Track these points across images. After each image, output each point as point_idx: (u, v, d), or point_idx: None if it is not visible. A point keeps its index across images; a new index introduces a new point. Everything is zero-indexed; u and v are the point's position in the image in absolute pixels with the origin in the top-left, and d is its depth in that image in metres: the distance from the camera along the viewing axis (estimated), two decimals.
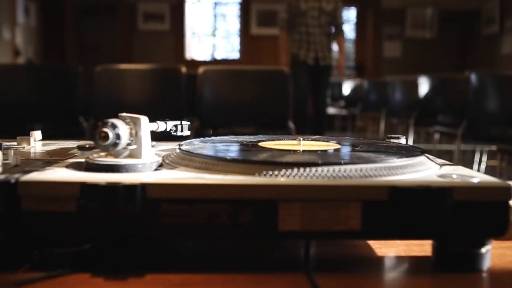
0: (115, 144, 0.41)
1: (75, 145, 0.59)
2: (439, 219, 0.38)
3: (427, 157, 0.48)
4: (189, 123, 0.56)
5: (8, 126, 2.40)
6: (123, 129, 0.42)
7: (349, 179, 0.40)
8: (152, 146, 0.46)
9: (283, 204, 0.38)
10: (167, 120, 0.53)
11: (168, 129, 0.53)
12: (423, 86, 3.78)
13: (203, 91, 2.53)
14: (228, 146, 0.53)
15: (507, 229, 0.39)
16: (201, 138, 0.58)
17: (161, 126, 0.51)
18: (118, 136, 0.41)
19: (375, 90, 5.35)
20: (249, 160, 0.42)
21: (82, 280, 0.37)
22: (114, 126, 0.41)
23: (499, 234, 0.39)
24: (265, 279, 0.38)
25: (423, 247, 0.45)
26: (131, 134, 0.43)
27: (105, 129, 0.41)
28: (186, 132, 0.55)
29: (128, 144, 0.43)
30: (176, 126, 0.54)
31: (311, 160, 0.42)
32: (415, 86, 3.90)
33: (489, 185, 0.39)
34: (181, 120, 0.56)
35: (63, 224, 0.38)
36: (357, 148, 0.53)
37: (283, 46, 3.68)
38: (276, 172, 0.40)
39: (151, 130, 0.46)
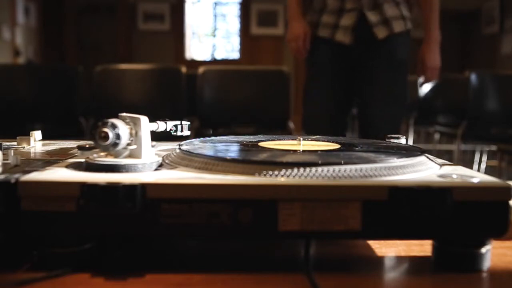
0: (115, 144, 0.41)
1: (75, 145, 0.59)
2: (439, 219, 0.38)
3: (427, 157, 0.48)
4: (189, 123, 0.56)
5: (8, 126, 2.40)
6: (123, 129, 0.42)
7: (349, 179, 0.40)
8: (152, 146, 0.46)
9: (283, 204, 0.38)
10: (167, 120, 0.53)
11: (168, 129, 0.53)
12: (423, 86, 3.78)
13: (203, 91, 2.53)
14: (228, 146, 0.53)
15: (507, 229, 0.39)
16: (201, 138, 0.58)
17: (161, 126, 0.51)
18: (118, 136, 0.41)
19: None
20: (249, 160, 0.42)
21: (82, 280, 0.37)
22: (114, 126, 0.41)
23: (499, 234, 0.39)
24: (265, 279, 0.38)
25: (423, 247, 0.45)
26: (131, 134, 0.43)
27: (105, 129, 0.41)
28: (186, 132, 0.55)
29: (128, 144, 0.43)
30: (176, 126, 0.54)
31: (311, 160, 0.42)
32: (415, 86, 3.90)
33: (489, 185, 0.39)
34: (181, 120, 0.56)
35: (63, 224, 0.38)
36: (357, 148, 0.53)
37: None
38: (276, 172, 0.40)
39: (151, 130, 0.46)
